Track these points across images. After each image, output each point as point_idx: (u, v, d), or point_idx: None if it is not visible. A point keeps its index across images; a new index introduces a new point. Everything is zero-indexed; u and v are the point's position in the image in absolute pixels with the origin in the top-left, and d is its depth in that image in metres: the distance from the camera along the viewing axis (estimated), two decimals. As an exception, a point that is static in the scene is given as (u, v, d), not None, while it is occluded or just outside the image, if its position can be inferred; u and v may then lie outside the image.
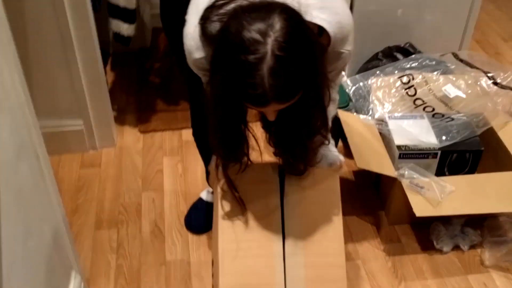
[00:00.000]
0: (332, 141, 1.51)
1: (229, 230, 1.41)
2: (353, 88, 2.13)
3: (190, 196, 2.01)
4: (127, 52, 2.71)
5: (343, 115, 2.01)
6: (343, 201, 2.00)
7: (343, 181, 2.09)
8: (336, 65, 1.32)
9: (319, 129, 1.29)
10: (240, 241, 1.40)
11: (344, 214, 1.95)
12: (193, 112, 1.71)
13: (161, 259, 1.80)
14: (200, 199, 1.94)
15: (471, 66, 2.22)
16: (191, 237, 1.87)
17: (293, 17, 1.08)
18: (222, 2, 1.14)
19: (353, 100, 2.12)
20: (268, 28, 1.03)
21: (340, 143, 2.21)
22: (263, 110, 1.16)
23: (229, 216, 1.42)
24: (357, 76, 2.17)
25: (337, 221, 1.46)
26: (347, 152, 2.18)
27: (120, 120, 2.36)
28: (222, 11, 1.13)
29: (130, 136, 2.29)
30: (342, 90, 2.14)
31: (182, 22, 1.25)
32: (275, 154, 1.43)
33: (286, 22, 1.04)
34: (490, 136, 1.98)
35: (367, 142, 1.94)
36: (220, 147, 1.32)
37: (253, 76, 1.02)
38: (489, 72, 2.14)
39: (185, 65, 1.36)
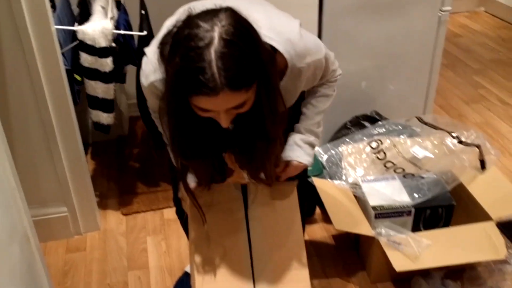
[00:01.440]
0: (315, 140, 1.55)
1: (200, 247, 1.49)
2: (326, 156, 2.23)
3: (175, 272, 2.05)
4: (106, 140, 2.81)
5: (318, 182, 2.09)
6: (325, 265, 2.06)
7: (324, 245, 2.15)
8: (312, 79, 1.40)
9: (274, 136, 1.32)
10: (211, 254, 1.48)
11: (327, 276, 2.01)
12: (175, 191, 1.77)
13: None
14: (186, 273, 1.97)
15: (435, 128, 2.34)
16: (179, 312, 1.90)
17: (239, 14, 1.15)
18: (177, 27, 1.19)
19: (327, 167, 2.21)
20: (216, 20, 1.10)
21: (317, 210, 2.29)
22: (216, 109, 1.16)
23: (199, 234, 1.50)
24: (328, 144, 2.28)
25: (298, 227, 1.53)
26: (325, 218, 2.26)
27: (103, 205, 2.41)
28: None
29: (114, 219, 2.34)
30: (315, 159, 2.24)
31: None
32: (240, 167, 1.48)
33: (232, 16, 1.12)
34: (460, 191, 2.07)
35: (343, 205, 2.01)
36: (180, 149, 1.32)
37: (202, 59, 1.07)
38: (453, 132, 2.26)
39: (164, 146, 1.44)
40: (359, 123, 2.45)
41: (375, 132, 2.31)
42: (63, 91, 1.98)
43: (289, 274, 1.47)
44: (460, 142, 2.22)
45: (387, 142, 2.22)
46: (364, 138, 2.28)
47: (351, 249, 2.13)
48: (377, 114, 2.49)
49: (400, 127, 2.33)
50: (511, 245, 1.98)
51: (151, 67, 1.29)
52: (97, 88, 2.12)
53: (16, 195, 1.40)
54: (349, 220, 1.95)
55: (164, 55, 1.21)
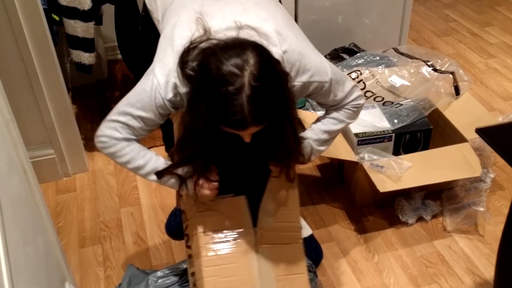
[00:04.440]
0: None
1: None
2: (307, 88, 2.28)
3: (167, 207, 2.11)
4: (86, 85, 2.81)
5: (302, 114, 2.14)
6: (312, 192, 2.14)
7: (310, 176, 2.23)
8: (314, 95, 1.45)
9: (292, 145, 1.39)
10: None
11: (314, 203, 2.10)
12: (164, 130, 1.90)
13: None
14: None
15: (411, 57, 2.41)
16: (173, 242, 1.96)
17: (263, 52, 1.24)
18: (195, 44, 1.28)
19: (309, 100, 2.27)
20: (243, 63, 1.18)
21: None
22: (241, 134, 1.28)
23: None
24: (309, 77, 2.33)
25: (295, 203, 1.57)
26: (309, 149, 2.32)
27: (88, 147, 2.43)
28: (196, 51, 1.27)
29: (101, 160, 2.37)
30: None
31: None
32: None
33: (258, 57, 1.20)
34: (436, 116, 2.17)
35: (327, 134, 2.08)
36: (205, 164, 1.39)
37: (234, 104, 1.18)
38: (428, 61, 2.34)
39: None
40: (338, 55, 2.50)
41: (354, 63, 2.37)
42: (43, 31, 1.96)
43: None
44: (435, 70, 2.30)
45: (366, 73, 2.28)
46: (344, 69, 2.33)
47: (335, 178, 2.22)
48: (355, 46, 2.54)
49: (377, 58, 2.40)
50: (486, 164, 2.10)
51: (177, 80, 1.31)
52: (77, 27, 2.11)
53: (11, 126, 1.42)
54: (334, 147, 2.02)
55: (186, 75, 1.28)
